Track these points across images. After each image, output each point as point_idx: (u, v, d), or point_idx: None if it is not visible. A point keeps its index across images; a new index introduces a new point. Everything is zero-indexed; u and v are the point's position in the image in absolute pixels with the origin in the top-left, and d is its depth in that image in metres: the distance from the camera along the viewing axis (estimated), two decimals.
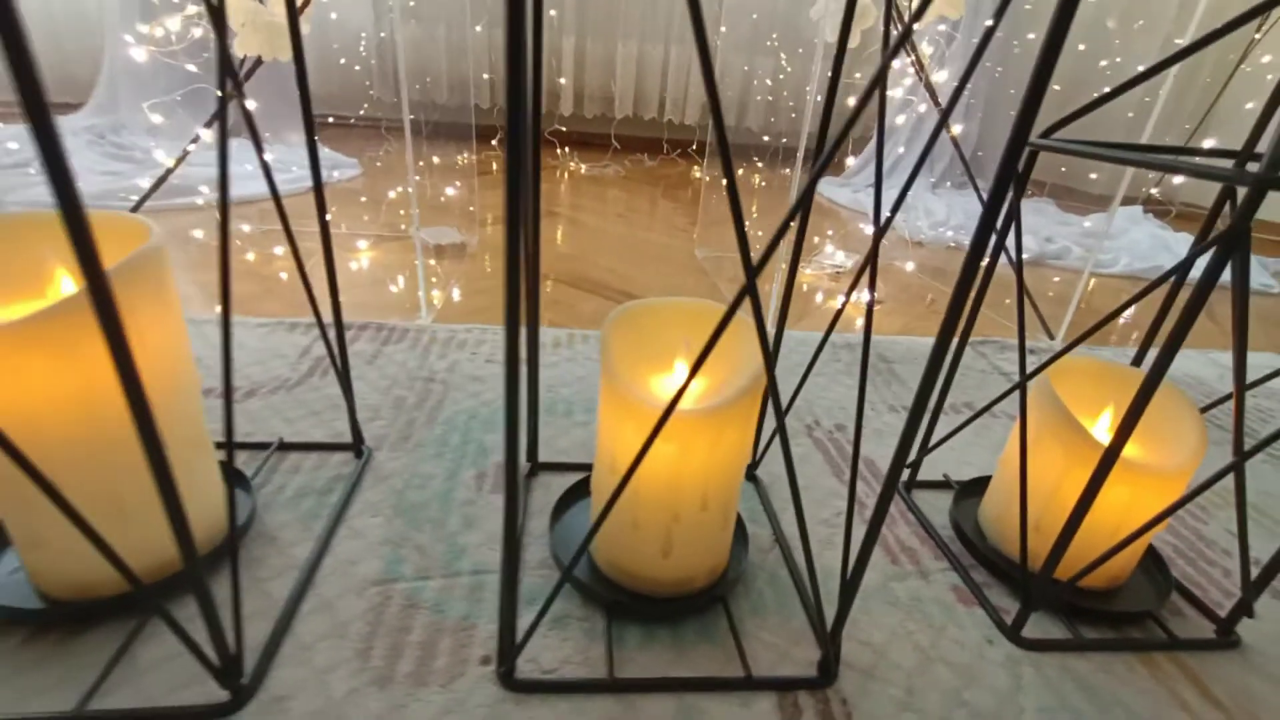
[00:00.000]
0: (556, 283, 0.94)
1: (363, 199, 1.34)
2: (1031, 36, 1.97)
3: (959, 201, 1.86)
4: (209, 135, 0.43)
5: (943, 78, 0.77)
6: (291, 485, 0.44)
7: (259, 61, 0.47)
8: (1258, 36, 1.72)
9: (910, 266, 1.23)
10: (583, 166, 2.03)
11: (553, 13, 2.10)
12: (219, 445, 0.38)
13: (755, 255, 0.24)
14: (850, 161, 2.21)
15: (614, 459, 0.33)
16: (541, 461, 0.49)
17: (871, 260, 0.36)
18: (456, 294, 0.85)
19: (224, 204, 0.26)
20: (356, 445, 0.48)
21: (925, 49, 0.75)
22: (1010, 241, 0.42)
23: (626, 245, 1.19)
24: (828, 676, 0.34)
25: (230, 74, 0.28)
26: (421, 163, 1.60)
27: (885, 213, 0.37)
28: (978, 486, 0.49)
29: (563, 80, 2.20)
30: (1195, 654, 0.38)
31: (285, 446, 0.48)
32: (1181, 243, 1.57)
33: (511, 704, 0.31)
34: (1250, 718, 0.34)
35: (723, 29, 2.01)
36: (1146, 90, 0.69)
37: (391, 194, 1.38)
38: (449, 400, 0.57)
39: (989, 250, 0.38)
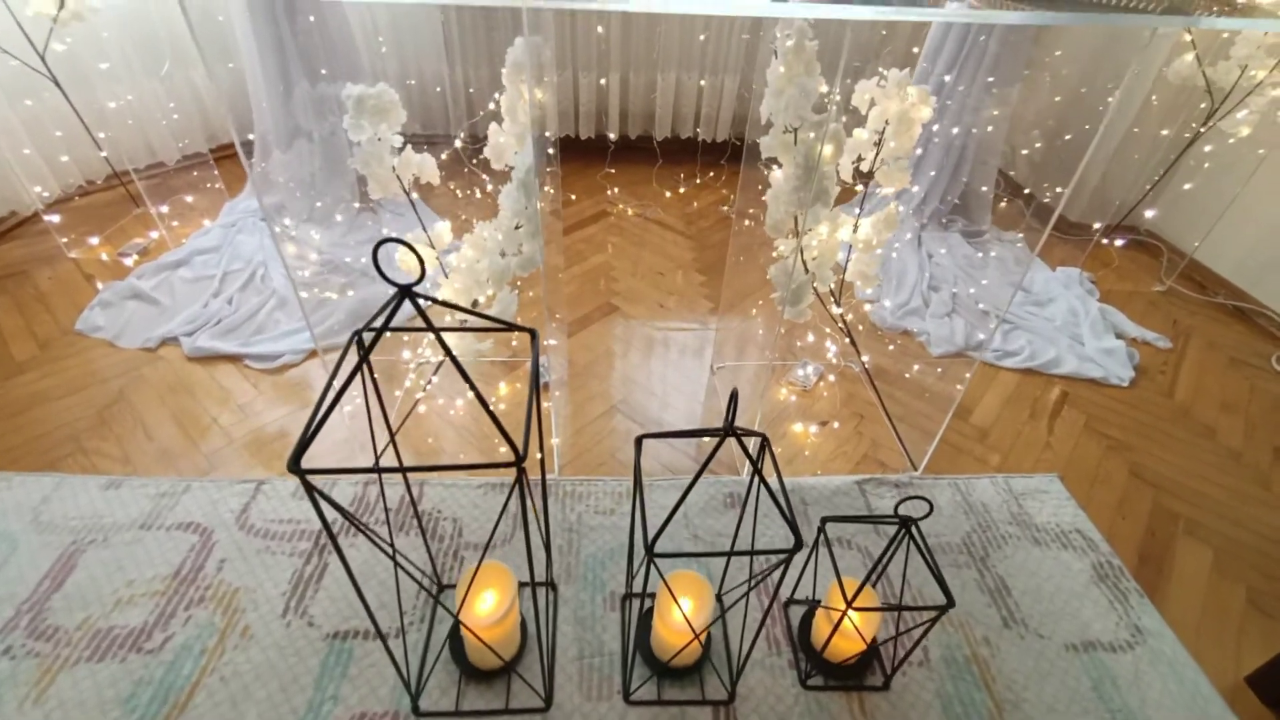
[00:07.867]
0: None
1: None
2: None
3: (939, 253, 2.26)
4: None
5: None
6: (529, 612, 1.12)
7: None
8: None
9: (867, 360, 1.78)
10: (629, 209, 2.50)
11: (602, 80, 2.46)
12: (523, 584, 1.04)
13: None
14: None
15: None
16: (635, 592, 1.15)
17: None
18: (556, 440, 1.47)
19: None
20: (552, 584, 1.14)
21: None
22: None
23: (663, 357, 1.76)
24: (731, 700, 1.01)
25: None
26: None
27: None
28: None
29: (611, 135, 2.59)
30: (868, 692, 1.04)
31: (524, 585, 1.15)
32: (1095, 321, 1.96)
33: (630, 708, 1.00)
34: None
35: None
36: None
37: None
38: (582, 546, 1.22)
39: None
